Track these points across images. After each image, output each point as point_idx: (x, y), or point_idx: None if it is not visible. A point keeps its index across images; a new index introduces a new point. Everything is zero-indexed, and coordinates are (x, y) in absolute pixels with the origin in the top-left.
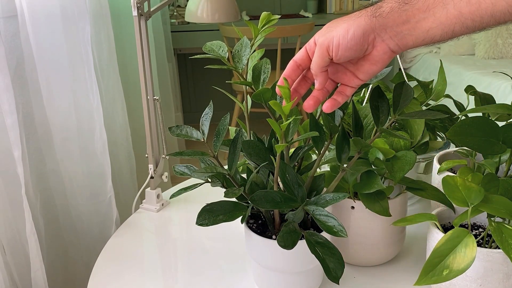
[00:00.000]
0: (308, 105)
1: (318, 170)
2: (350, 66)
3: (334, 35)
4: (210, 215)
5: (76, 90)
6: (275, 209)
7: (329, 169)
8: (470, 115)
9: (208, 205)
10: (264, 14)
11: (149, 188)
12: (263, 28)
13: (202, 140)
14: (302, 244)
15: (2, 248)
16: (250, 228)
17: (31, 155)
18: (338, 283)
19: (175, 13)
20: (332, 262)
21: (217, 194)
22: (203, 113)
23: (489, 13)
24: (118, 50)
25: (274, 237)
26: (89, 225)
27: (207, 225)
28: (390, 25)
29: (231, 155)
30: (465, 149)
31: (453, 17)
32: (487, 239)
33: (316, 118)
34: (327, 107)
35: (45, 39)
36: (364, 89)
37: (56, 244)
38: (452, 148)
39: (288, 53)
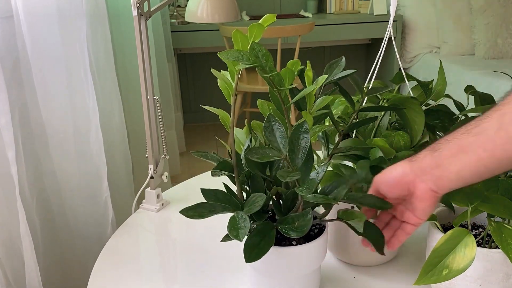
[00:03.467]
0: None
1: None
2: (408, 205)
3: (382, 174)
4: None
5: (72, 91)
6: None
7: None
8: (470, 115)
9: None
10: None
11: (149, 188)
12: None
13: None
14: (298, 250)
15: None
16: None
17: (27, 156)
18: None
19: (175, 13)
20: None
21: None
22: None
23: (505, 157)
24: (118, 50)
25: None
26: (85, 226)
27: (192, 217)
28: (425, 167)
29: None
30: None
31: (475, 161)
32: (487, 239)
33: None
34: (391, 245)
35: (41, 40)
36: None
37: (52, 245)
38: None
39: (288, 53)
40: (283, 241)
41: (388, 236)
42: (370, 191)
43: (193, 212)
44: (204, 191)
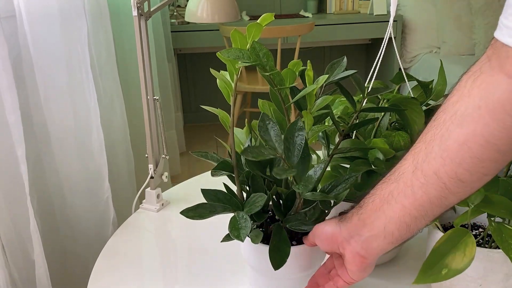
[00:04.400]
0: None
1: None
2: (344, 261)
3: (317, 226)
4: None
5: (74, 90)
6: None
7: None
8: None
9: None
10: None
11: (149, 188)
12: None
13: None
14: (298, 250)
15: (2, 248)
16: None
17: (29, 154)
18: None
19: (175, 13)
20: None
21: None
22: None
23: (426, 200)
24: (118, 50)
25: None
26: (86, 225)
27: (192, 218)
28: (352, 229)
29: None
30: None
31: (399, 210)
32: (487, 239)
33: None
34: None
35: (43, 39)
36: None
37: (53, 244)
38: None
39: (288, 53)
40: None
41: (321, 284)
42: (307, 241)
43: (193, 213)
44: (204, 191)
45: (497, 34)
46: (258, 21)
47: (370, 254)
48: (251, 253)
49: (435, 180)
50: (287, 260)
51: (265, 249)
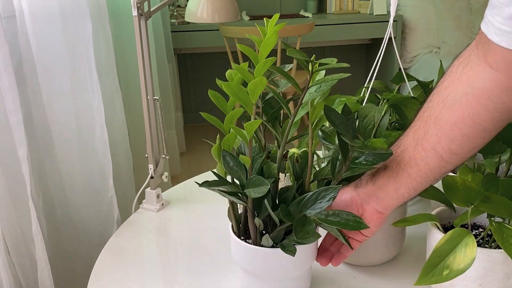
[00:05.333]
0: (322, 261)
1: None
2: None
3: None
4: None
5: (77, 90)
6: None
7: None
8: None
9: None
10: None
11: (149, 188)
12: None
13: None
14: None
15: (6, 248)
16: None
17: (32, 155)
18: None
19: (175, 13)
20: None
21: (215, 194)
22: None
23: (427, 169)
24: (118, 50)
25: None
26: (90, 225)
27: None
28: (369, 192)
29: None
30: None
31: (406, 178)
32: (487, 239)
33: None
34: (335, 262)
35: (45, 39)
36: (364, 89)
37: (57, 244)
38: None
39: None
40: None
41: (334, 251)
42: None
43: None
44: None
45: (484, 29)
46: (271, 29)
47: (386, 209)
48: (243, 255)
49: (433, 154)
50: (278, 261)
51: (257, 251)
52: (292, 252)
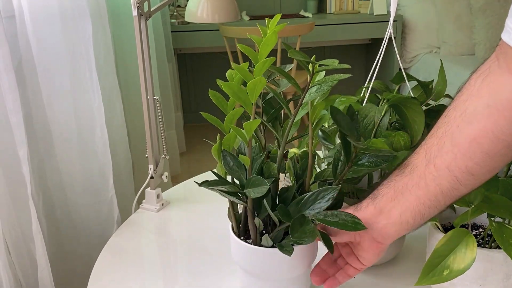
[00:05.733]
0: (314, 280)
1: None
2: (355, 249)
3: None
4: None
5: (77, 90)
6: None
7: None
8: None
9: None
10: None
11: (149, 188)
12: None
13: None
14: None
15: (6, 248)
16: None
17: (32, 155)
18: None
19: (175, 13)
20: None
21: (215, 194)
22: None
23: (439, 192)
24: (118, 50)
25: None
26: (90, 225)
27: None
28: (369, 217)
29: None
30: None
31: (414, 201)
32: (487, 239)
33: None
34: (328, 285)
35: (45, 39)
36: (364, 89)
37: (57, 244)
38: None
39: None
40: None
41: (331, 273)
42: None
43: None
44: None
45: (505, 38)
46: (271, 29)
47: (386, 239)
48: (243, 255)
49: (447, 174)
50: (278, 262)
51: (257, 251)
52: (289, 252)
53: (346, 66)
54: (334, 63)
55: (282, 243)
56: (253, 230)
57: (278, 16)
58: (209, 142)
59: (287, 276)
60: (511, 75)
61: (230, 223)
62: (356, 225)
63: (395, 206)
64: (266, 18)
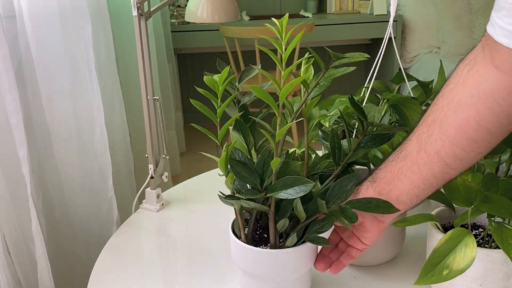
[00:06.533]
0: (319, 266)
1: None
2: (356, 231)
3: None
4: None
5: (76, 90)
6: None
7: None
8: None
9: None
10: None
11: (149, 188)
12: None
13: None
14: (292, 252)
15: (6, 248)
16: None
17: (32, 155)
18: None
19: (175, 13)
20: None
21: (215, 194)
22: None
23: (431, 175)
24: (118, 50)
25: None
26: (89, 225)
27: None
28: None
29: None
30: None
31: (408, 184)
32: (487, 239)
33: None
34: (334, 270)
35: (44, 40)
36: (364, 89)
37: (57, 244)
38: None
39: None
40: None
41: (334, 258)
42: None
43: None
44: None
45: (490, 31)
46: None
47: (386, 217)
48: (243, 256)
49: (437, 159)
50: (280, 263)
51: (257, 252)
52: (324, 242)
53: (365, 56)
54: (354, 56)
55: (312, 237)
56: (274, 233)
57: (301, 26)
58: (209, 143)
59: (289, 277)
60: (493, 67)
61: (230, 224)
62: (388, 208)
63: (392, 189)
64: (272, 18)
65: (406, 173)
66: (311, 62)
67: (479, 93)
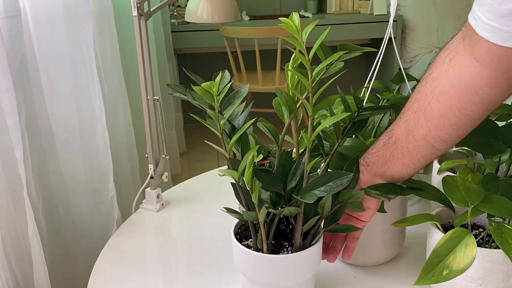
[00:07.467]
0: (329, 258)
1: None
2: (353, 212)
3: None
4: None
5: (78, 90)
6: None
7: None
8: None
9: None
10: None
11: (149, 188)
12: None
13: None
14: (295, 258)
15: (5, 249)
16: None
17: (34, 155)
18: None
19: (175, 13)
20: None
21: (215, 194)
22: None
23: (420, 156)
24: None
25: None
26: (90, 225)
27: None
28: (367, 178)
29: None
30: (465, 149)
31: (400, 165)
32: (487, 239)
33: None
34: (346, 256)
35: (48, 39)
36: (364, 89)
37: (57, 244)
38: (452, 148)
39: (288, 53)
40: (280, 250)
41: (339, 245)
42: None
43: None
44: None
45: (472, 22)
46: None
47: None
48: (246, 261)
49: (424, 143)
50: (281, 269)
51: (259, 257)
52: (354, 228)
53: (372, 49)
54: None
55: (342, 227)
56: (299, 235)
57: (324, 34)
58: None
59: (293, 282)
60: (473, 58)
61: (232, 232)
62: (402, 190)
63: (386, 171)
64: (281, 18)
65: (398, 156)
66: (347, 57)
67: (460, 83)
